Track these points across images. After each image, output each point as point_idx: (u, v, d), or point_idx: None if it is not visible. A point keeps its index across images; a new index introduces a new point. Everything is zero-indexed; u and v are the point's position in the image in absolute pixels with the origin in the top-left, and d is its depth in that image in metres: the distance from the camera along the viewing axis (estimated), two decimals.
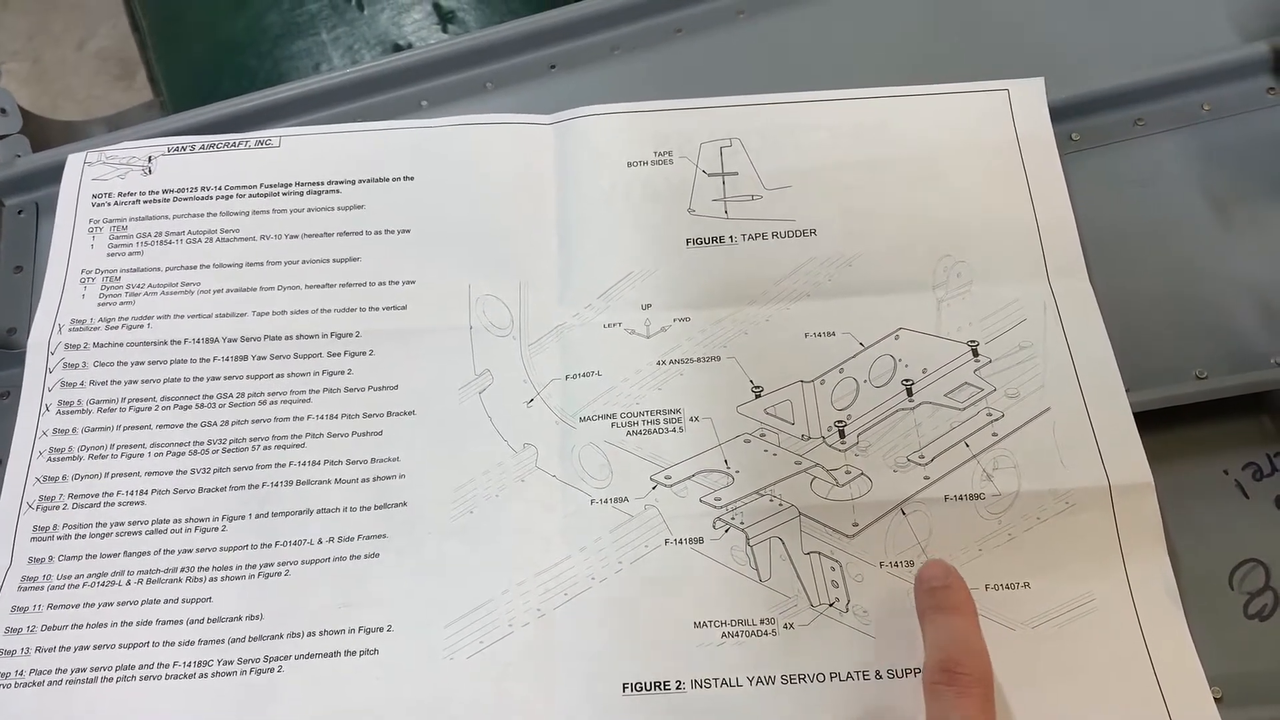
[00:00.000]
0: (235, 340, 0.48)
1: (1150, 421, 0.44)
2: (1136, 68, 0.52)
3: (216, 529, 0.44)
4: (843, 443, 0.45)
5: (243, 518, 0.44)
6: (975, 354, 0.46)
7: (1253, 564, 0.43)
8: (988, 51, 0.53)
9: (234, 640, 0.42)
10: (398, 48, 0.76)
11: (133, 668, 0.42)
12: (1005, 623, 0.41)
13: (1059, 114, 0.50)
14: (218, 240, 0.50)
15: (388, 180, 0.51)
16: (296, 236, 0.50)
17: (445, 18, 0.78)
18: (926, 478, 0.44)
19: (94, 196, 0.51)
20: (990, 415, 0.45)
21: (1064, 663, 0.40)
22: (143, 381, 0.47)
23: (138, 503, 0.45)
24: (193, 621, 0.42)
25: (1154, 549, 0.42)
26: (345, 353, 0.47)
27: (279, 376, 0.47)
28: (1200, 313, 0.47)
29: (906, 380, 0.46)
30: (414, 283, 0.49)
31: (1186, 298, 0.47)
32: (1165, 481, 0.43)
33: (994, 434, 0.44)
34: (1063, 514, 0.43)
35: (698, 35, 0.56)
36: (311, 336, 0.48)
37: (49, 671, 0.41)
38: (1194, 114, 0.51)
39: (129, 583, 0.43)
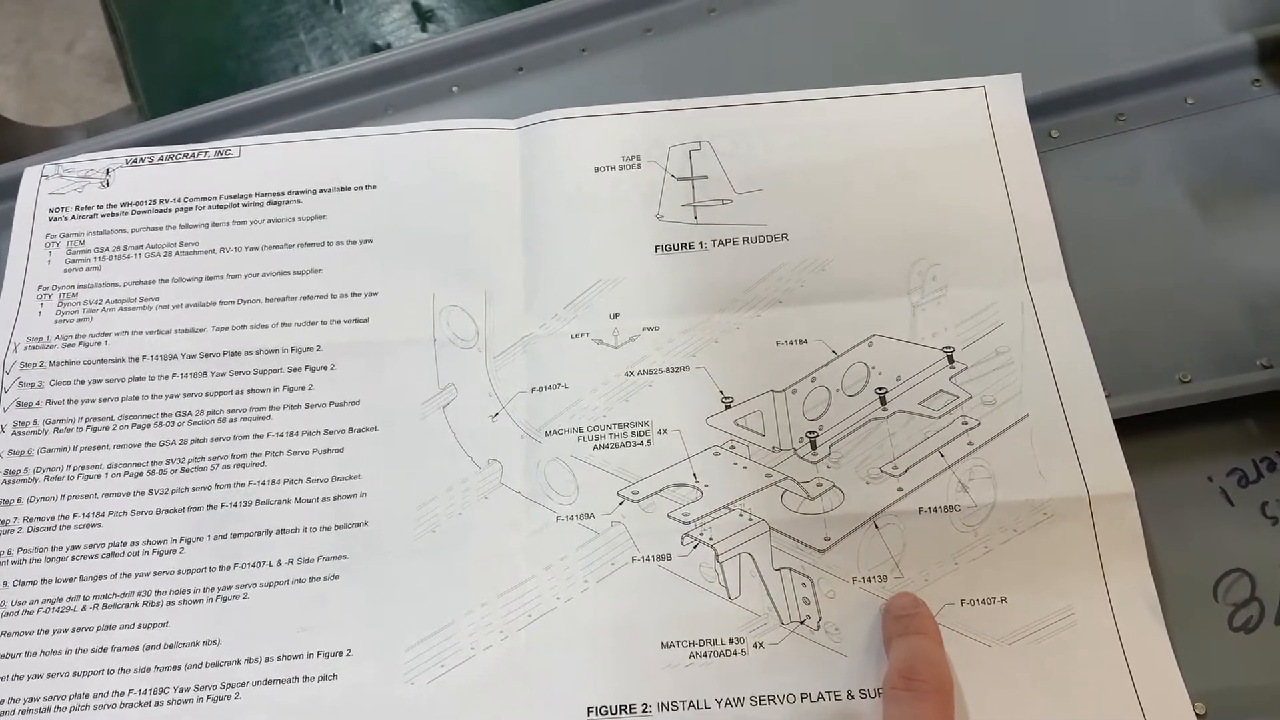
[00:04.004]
0: (194, 357, 0.46)
1: (1132, 427, 0.43)
2: (1117, 61, 0.50)
3: (174, 551, 0.43)
4: (814, 454, 0.43)
5: (201, 539, 0.43)
6: (951, 360, 0.45)
7: (1238, 574, 0.41)
8: (963, 48, 0.52)
9: (191, 666, 0.41)
10: (376, 48, 0.75)
11: (87, 696, 0.41)
12: (981, 639, 0.40)
13: (1037, 110, 0.49)
14: (177, 254, 0.49)
15: (349, 189, 0.50)
16: (257, 249, 0.49)
17: (424, 17, 0.77)
18: (900, 489, 0.42)
19: (51, 211, 0.50)
20: (966, 424, 0.43)
21: (1042, 679, 0.39)
22: (100, 400, 0.46)
23: (94, 525, 0.44)
24: (149, 647, 0.41)
25: (1135, 560, 0.41)
26: (306, 368, 0.46)
27: (238, 393, 0.46)
28: (1183, 314, 0.46)
29: (880, 389, 0.44)
30: (376, 294, 0.48)
31: (1169, 299, 0.46)
32: (1147, 489, 0.42)
33: (970, 443, 0.43)
34: (1040, 525, 0.41)
35: (668, 35, 0.55)
36: (272, 351, 0.47)
37: (1, 701, 0.41)
38: (1177, 108, 0.50)
39: (84, 608, 0.42)
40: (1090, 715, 0.39)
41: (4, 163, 0.54)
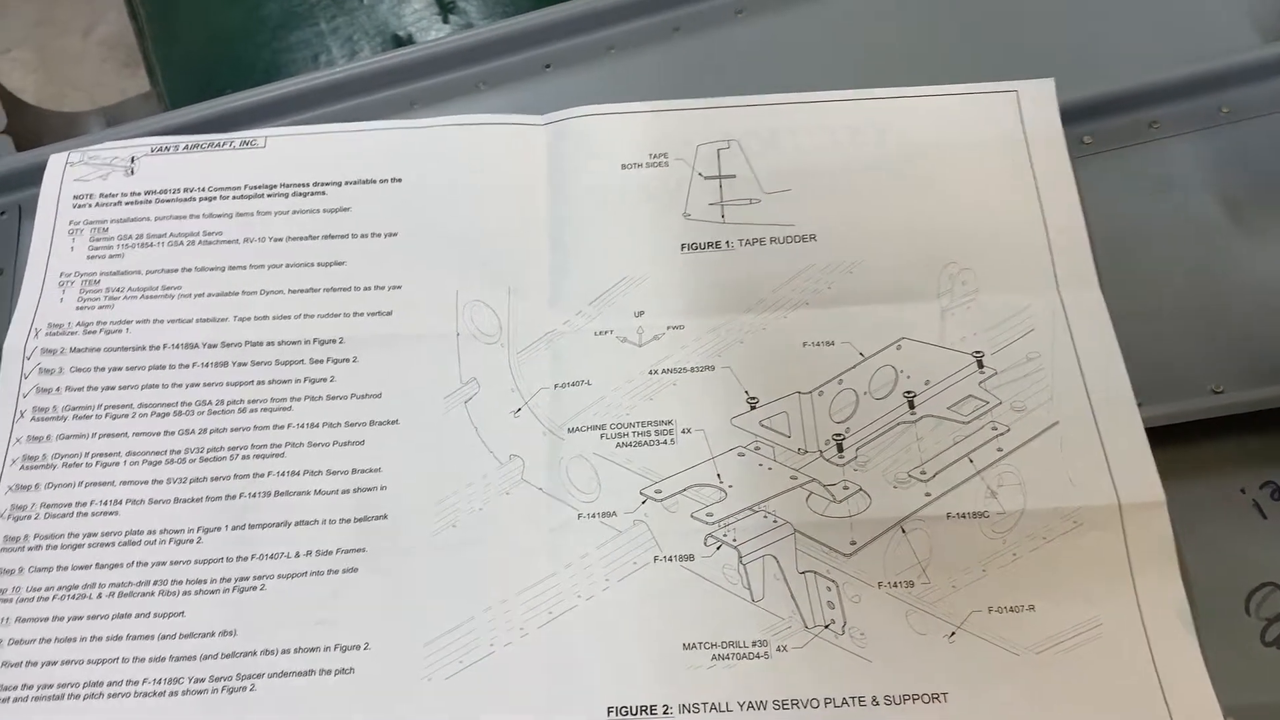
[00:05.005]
0: (215, 346, 0.46)
1: (1163, 437, 0.42)
2: (1152, 68, 0.50)
3: (191, 541, 0.43)
4: (841, 457, 0.43)
5: (219, 529, 0.43)
6: (980, 365, 0.44)
7: (1270, 588, 0.41)
8: (996, 51, 0.51)
9: (206, 657, 0.41)
10: (397, 39, 0.75)
11: (101, 685, 0.40)
12: (1009, 648, 0.39)
13: (1070, 116, 0.48)
14: (200, 243, 0.48)
15: (375, 182, 0.49)
16: (281, 239, 0.48)
17: (446, 8, 0.77)
18: (928, 494, 0.42)
19: (75, 198, 0.50)
20: (995, 429, 0.43)
21: (1070, 690, 0.39)
22: (120, 388, 0.46)
23: (112, 513, 0.43)
24: (164, 637, 0.41)
25: (1166, 571, 0.40)
26: (328, 359, 0.46)
27: (259, 384, 0.45)
28: (1216, 324, 0.45)
29: (908, 392, 0.44)
30: (400, 288, 0.47)
31: (1202, 308, 0.46)
32: (1179, 500, 0.41)
33: (999, 449, 0.42)
34: (1070, 533, 0.41)
35: (696, 34, 0.54)
36: (294, 343, 0.46)
37: (14, 688, 0.40)
38: (1212, 116, 0.49)
39: (100, 596, 0.42)
40: None
41: (26, 148, 0.54)
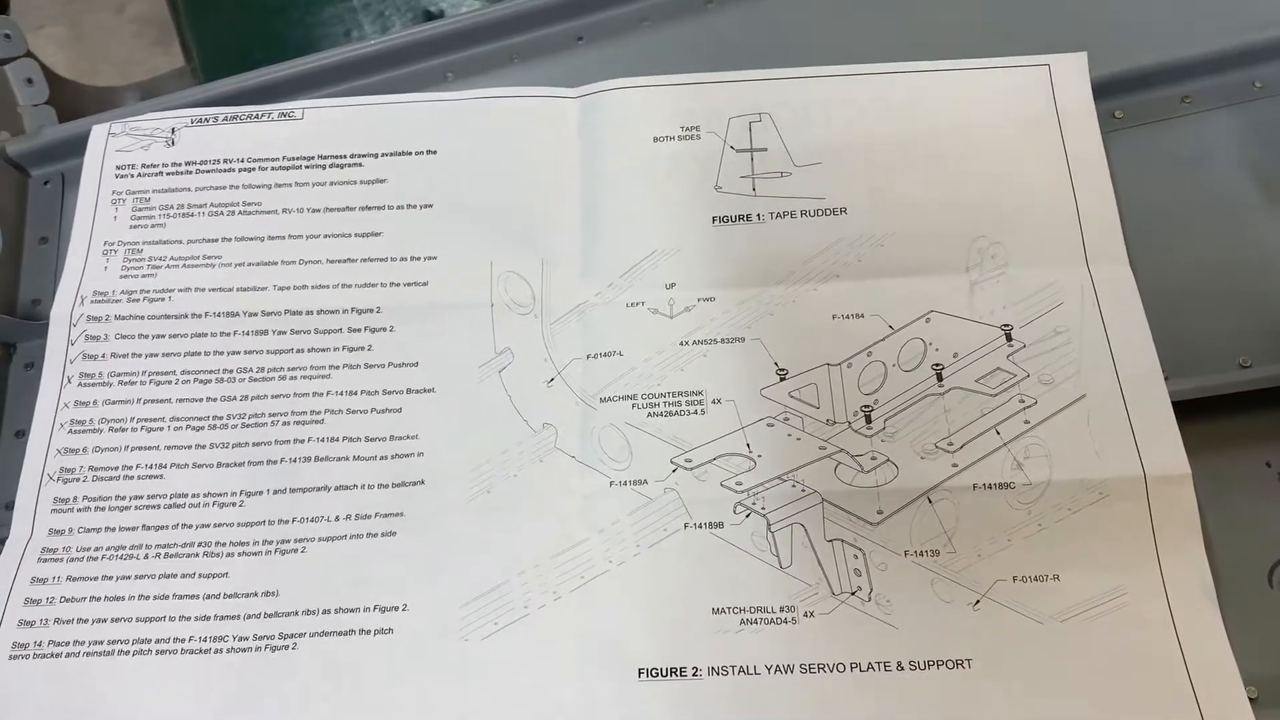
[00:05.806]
0: (256, 314, 0.47)
1: (1190, 411, 0.43)
2: (1184, 42, 0.49)
3: (234, 504, 0.44)
4: (869, 428, 0.43)
5: (261, 493, 0.44)
6: (1009, 339, 0.44)
7: None
8: (1028, 25, 0.51)
9: (249, 616, 0.42)
10: (428, 14, 0.75)
11: (149, 641, 0.42)
12: (1033, 616, 0.40)
13: (1102, 90, 0.49)
14: (240, 213, 0.49)
15: (411, 154, 0.50)
16: (319, 210, 0.49)
17: None
18: (955, 465, 0.42)
19: (118, 168, 0.51)
20: (1023, 402, 0.43)
21: (1093, 658, 0.39)
22: (163, 355, 0.47)
23: (157, 476, 0.45)
24: (209, 597, 0.42)
25: (1190, 543, 0.41)
26: (366, 328, 0.47)
27: (299, 352, 0.47)
28: (1246, 299, 0.45)
29: (937, 365, 0.44)
30: (435, 258, 0.48)
31: (1231, 283, 0.46)
32: (1204, 473, 0.41)
33: (1026, 421, 0.43)
34: (1095, 505, 0.41)
35: (729, 6, 0.54)
36: (332, 312, 0.47)
37: (67, 644, 0.42)
38: (1245, 91, 0.49)
39: (147, 556, 0.43)
40: (1142, 695, 0.39)
41: (65, 121, 0.55)
